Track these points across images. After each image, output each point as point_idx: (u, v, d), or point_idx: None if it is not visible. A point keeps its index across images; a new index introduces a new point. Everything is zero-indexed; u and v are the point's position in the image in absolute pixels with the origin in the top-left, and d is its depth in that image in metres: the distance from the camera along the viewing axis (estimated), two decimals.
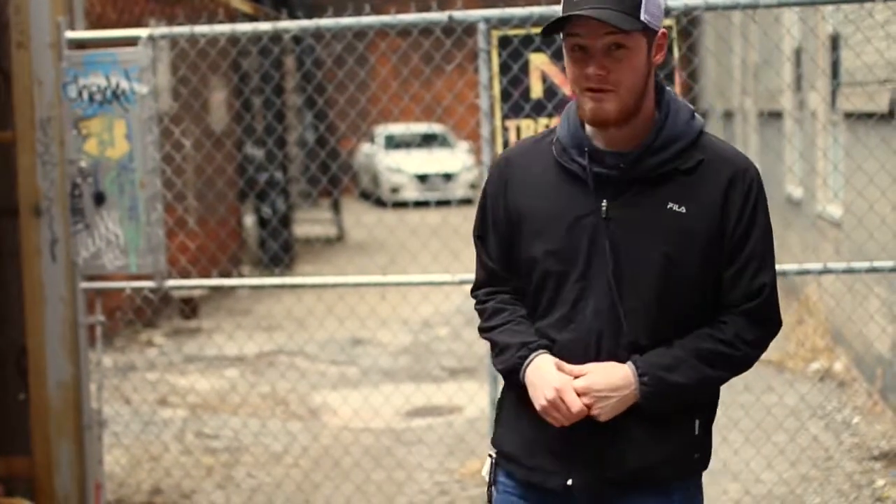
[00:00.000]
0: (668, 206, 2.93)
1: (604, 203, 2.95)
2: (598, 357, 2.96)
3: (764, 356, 10.17)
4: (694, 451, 3.07)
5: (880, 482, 6.61)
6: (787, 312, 10.80)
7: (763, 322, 3.03)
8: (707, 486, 6.60)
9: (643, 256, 2.94)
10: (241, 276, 14.40)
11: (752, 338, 3.02)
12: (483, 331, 3.18)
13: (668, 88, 3.04)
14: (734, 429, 7.13)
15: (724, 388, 8.10)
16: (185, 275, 9.42)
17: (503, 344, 3.07)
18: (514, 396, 3.10)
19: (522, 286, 3.10)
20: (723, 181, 2.96)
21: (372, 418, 8.09)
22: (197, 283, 6.50)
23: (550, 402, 2.92)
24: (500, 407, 3.21)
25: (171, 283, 6.14)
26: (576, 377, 2.94)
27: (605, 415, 2.93)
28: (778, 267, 5.99)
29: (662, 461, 3.01)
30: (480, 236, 3.19)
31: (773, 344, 10.06)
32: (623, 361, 2.95)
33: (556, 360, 2.98)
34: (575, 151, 2.99)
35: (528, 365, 3.00)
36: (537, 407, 2.96)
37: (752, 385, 7.91)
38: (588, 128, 2.99)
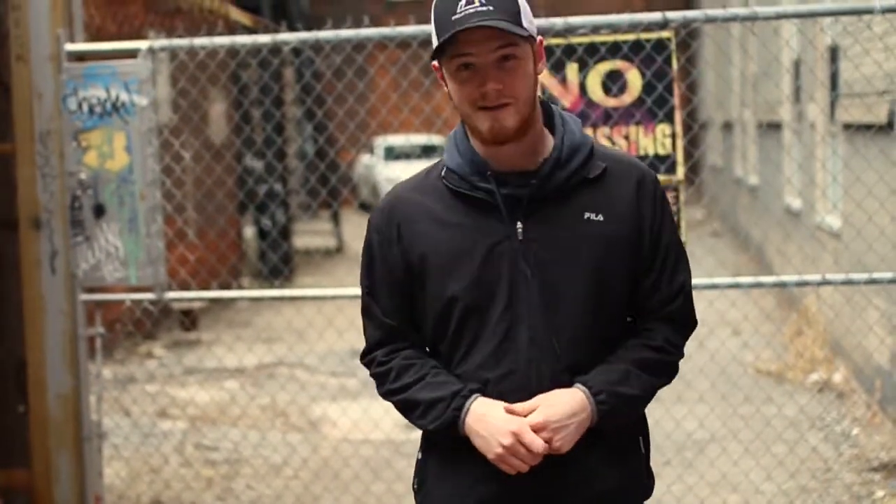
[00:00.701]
0: (586, 217, 2.85)
1: (518, 225, 2.84)
2: (540, 386, 2.82)
3: (763, 367, 10.13)
4: (645, 472, 2.98)
5: (880, 493, 6.61)
6: (787, 323, 10.82)
7: (684, 323, 2.98)
8: (707, 498, 6.62)
9: (570, 272, 2.84)
10: (240, 287, 14.41)
11: (678, 341, 2.96)
12: (393, 393, 2.94)
13: (551, 104, 2.98)
14: (733, 440, 7.13)
15: (721, 399, 8.03)
16: (184, 287, 9.43)
17: (428, 400, 2.86)
18: (438, 458, 2.95)
19: (433, 334, 2.92)
20: (631, 185, 2.90)
21: (371, 430, 8.08)
22: (196, 296, 6.50)
23: (508, 448, 2.76)
24: (422, 474, 3.00)
25: (171, 295, 6.15)
26: (527, 414, 2.78)
27: (565, 445, 2.79)
28: (777, 278, 6.03)
29: (619, 488, 2.91)
30: (370, 292, 2.99)
31: (772, 355, 10.00)
32: (565, 385, 2.83)
33: (501, 402, 2.81)
34: (477, 178, 2.86)
35: (465, 415, 2.82)
36: (491, 456, 2.78)
37: (751, 396, 7.92)
38: (482, 152, 2.87)
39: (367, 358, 3.02)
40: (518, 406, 2.80)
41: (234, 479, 7.31)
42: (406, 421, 8.14)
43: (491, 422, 2.79)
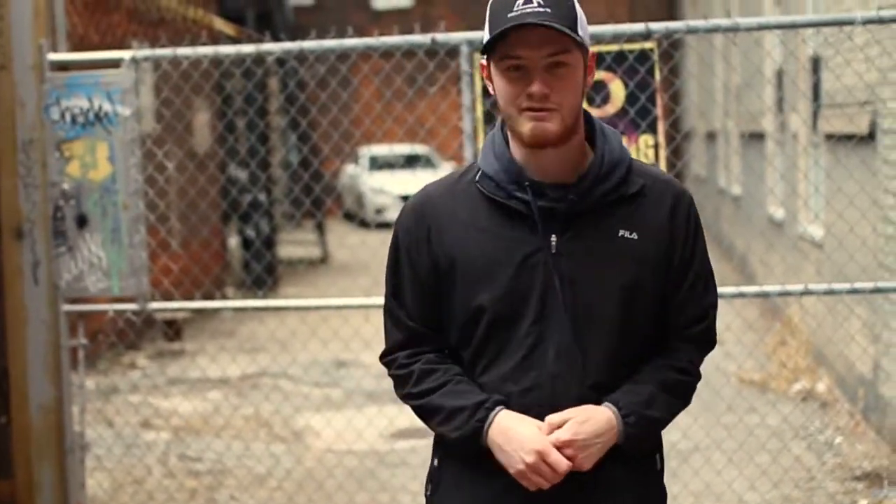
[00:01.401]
0: (620, 234, 2.81)
1: (553, 238, 2.80)
2: (565, 402, 2.79)
3: (747, 377, 10.10)
4: (659, 487, 2.95)
5: (863, 502, 6.62)
6: (770, 333, 10.84)
7: (707, 344, 2.96)
8: None
9: (601, 290, 2.80)
10: (224, 297, 14.38)
11: (698, 362, 2.94)
12: (413, 396, 2.91)
13: (592, 115, 2.93)
14: (717, 450, 7.14)
15: (705, 409, 8.05)
16: (168, 297, 9.40)
17: (450, 408, 2.83)
18: (455, 467, 2.90)
19: (458, 340, 2.89)
20: (667, 204, 2.86)
21: (355, 440, 8.08)
22: (180, 306, 6.49)
23: (531, 465, 2.74)
24: (437, 481, 2.96)
25: (154, 305, 6.14)
26: (555, 426, 2.76)
27: (587, 463, 2.77)
28: (760, 288, 6.04)
29: (636, 502, 2.88)
30: (395, 294, 2.94)
31: (755, 364, 9.99)
32: (591, 402, 2.80)
33: (527, 417, 2.78)
34: (513, 187, 2.81)
35: (489, 427, 2.79)
36: (512, 471, 2.77)
37: (734, 406, 7.93)
38: (519, 159, 2.83)
39: (387, 358, 2.99)
40: (553, 417, 2.77)
41: (218, 490, 7.29)
42: (390, 432, 8.21)
43: (515, 437, 2.76)
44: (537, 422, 2.78)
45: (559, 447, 2.75)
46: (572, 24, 2.72)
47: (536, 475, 2.75)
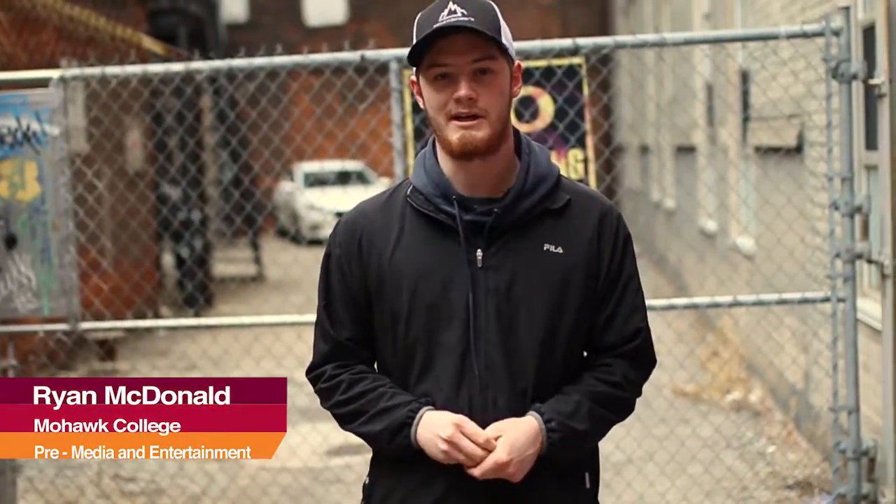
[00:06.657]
0: (545, 248, 2.84)
1: (478, 252, 2.83)
2: (496, 412, 2.82)
3: (679, 388, 10.12)
4: None
5: None
6: (702, 345, 10.93)
7: (643, 361, 2.96)
8: None
9: (527, 302, 2.83)
10: (158, 316, 14.28)
11: (636, 379, 2.94)
12: (342, 404, 2.92)
13: (520, 131, 2.96)
14: (650, 461, 7.19)
15: (637, 421, 8.10)
16: (99, 317, 9.34)
17: (381, 407, 2.85)
18: (387, 484, 2.92)
19: (386, 354, 2.91)
20: (593, 220, 2.89)
21: (290, 458, 8.05)
22: (111, 325, 6.45)
23: (450, 439, 2.75)
24: (367, 498, 2.98)
25: (85, 325, 6.10)
26: (485, 439, 2.78)
27: (519, 474, 2.78)
28: (689, 300, 6.10)
29: None
30: (326, 306, 2.96)
31: (688, 376, 10.00)
32: (519, 412, 2.82)
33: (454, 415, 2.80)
34: (441, 200, 2.85)
35: (419, 420, 2.82)
36: (440, 457, 2.78)
37: (667, 417, 7.99)
38: (448, 174, 2.87)
39: (314, 373, 2.99)
40: (481, 433, 2.78)
41: None
42: (324, 449, 8.18)
43: (432, 421, 2.78)
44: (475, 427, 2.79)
45: (500, 468, 2.76)
46: (496, 32, 2.78)
47: (456, 451, 2.76)
